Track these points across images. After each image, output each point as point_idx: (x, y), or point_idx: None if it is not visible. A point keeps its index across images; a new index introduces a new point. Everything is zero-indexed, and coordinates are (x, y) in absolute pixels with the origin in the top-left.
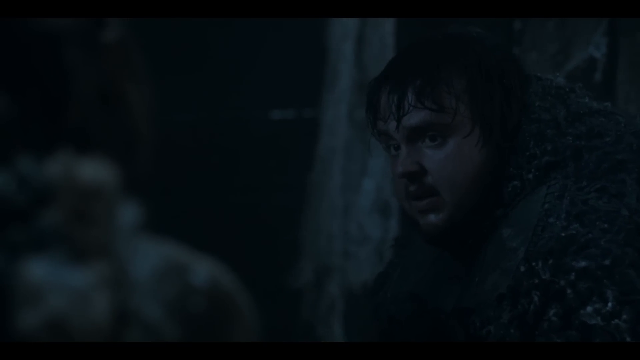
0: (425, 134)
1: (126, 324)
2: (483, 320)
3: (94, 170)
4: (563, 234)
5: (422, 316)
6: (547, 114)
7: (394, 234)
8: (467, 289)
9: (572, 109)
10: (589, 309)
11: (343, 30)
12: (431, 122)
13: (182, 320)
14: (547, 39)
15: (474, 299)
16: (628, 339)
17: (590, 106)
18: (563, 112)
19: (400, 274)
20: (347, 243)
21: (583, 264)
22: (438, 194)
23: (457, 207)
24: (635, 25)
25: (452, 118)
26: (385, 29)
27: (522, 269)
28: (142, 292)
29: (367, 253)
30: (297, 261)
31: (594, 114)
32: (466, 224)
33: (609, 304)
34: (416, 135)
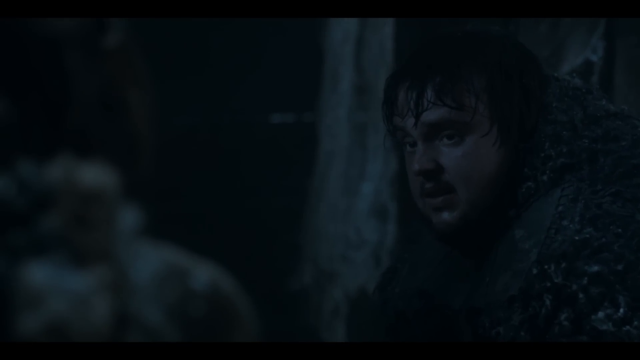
0: (443, 131)
1: (127, 328)
2: (493, 321)
3: (95, 175)
4: (576, 238)
5: (430, 313)
6: (563, 116)
7: (391, 239)
8: (477, 288)
9: (589, 111)
10: (601, 314)
11: (342, 34)
12: (450, 120)
13: (182, 325)
14: (540, 42)
15: (484, 299)
16: None
17: (607, 109)
18: (580, 114)
19: (409, 270)
20: (345, 247)
21: (596, 268)
22: (454, 191)
23: (472, 206)
24: (632, 28)
25: (471, 117)
26: (384, 32)
27: (535, 271)
28: (142, 296)
29: (364, 257)
30: (297, 264)
31: (610, 117)
32: (479, 223)
33: (621, 310)
34: (433, 132)
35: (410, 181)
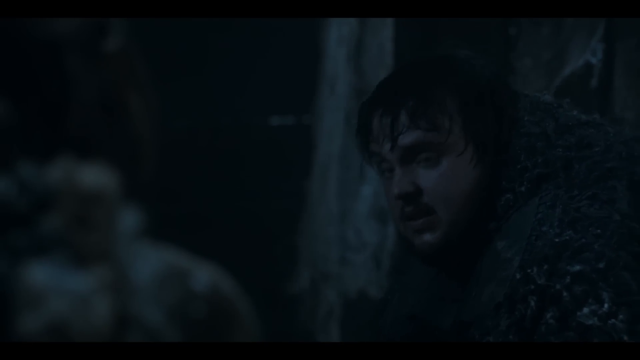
0: (419, 153)
1: (127, 329)
2: (482, 332)
3: (95, 176)
4: (557, 240)
5: (420, 336)
6: (536, 127)
7: (391, 241)
8: (464, 303)
9: (561, 122)
10: (586, 310)
11: (341, 36)
12: (425, 142)
13: (182, 326)
14: (542, 45)
15: (472, 313)
16: (625, 338)
17: (579, 118)
18: (552, 124)
19: (399, 298)
20: (344, 249)
21: (578, 267)
22: (434, 212)
23: (452, 225)
24: (631, 31)
25: (446, 138)
26: (383, 34)
27: (518, 276)
28: (142, 297)
29: (364, 259)
30: (295, 267)
31: (582, 126)
32: (461, 240)
33: (605, 305)
34: (410, 156)
35: (390, 206)
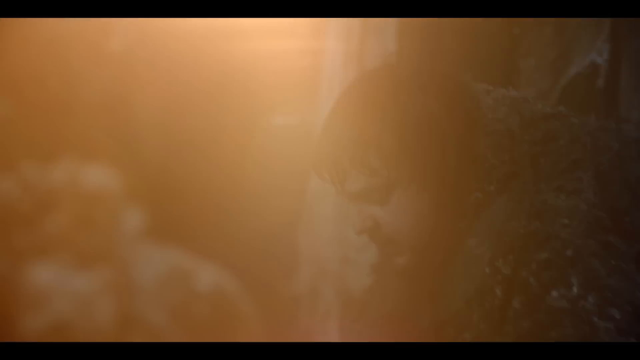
0: (368, 195)
1: (130, 329)
2: (457, 328)
3: (98, 176)
4: (523, 231)
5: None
6: (500, 125)
7: None
8: (440, 303)
9: (525, 117)
10: (555, 294)
11: (343, 35)
12: (369, 187)
13: (185, 326)
14: (546, 45)
15: (447, 311)
16: (596, 320)
17: (544, 111)
18: (517, 120)
19: (379, 299)
20: (345, 249)
21: (545, 255)
22: (397, 241)
23: (418, 248)
24: (638, 30)
25: (387, 178)
26: (386, 34)
27: (487, 270)
28: (145, 297)
29: (367, 259)
30: (295, 267)
31: (547, 119)
32: (432, 251)
33: (574, 289)
34: (360, 197)
35: None
